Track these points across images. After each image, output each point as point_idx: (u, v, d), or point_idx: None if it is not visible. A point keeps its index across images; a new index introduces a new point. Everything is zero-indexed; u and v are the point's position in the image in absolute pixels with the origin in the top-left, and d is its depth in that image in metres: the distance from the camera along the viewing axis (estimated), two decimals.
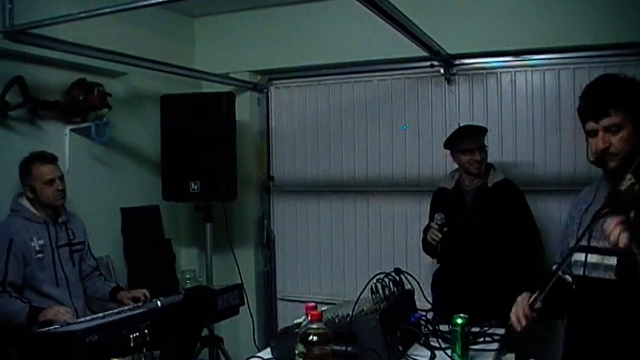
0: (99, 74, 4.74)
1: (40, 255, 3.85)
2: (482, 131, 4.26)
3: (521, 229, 4.14)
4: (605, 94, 2.40)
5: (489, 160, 4.33)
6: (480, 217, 4.12)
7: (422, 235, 4.40)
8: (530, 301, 2.54)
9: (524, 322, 2.52)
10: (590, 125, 2.41)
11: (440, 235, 3.98)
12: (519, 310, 2.54)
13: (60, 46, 3.98)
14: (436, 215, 4.02)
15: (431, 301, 4.18)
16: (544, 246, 4.25)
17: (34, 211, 3.92)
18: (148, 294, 4.01)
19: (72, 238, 4.09)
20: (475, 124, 4.43)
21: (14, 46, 3.82)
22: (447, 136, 4.34)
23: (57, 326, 3.31)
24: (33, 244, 3.83)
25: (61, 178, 3.97)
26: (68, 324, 3.36)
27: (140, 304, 3.79)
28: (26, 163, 3.92)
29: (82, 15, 3.62)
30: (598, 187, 2.59)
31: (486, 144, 4.29)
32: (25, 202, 3.92)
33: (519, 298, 2.60)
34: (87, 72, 4.61)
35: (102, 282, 4.26)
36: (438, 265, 4.48)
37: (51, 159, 3.97)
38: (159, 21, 5.25)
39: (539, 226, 4.34)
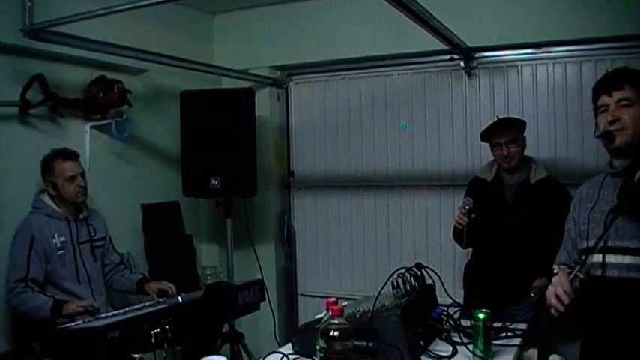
0: (119, 71, 4.76)
1: (61, 251, 3.87)
2: (513, 123, 4.15)
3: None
4: (623, 71, 2.46)
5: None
6: (522, 215, 4.03)
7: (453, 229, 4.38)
8: (571, 277, 2.40)
9: (566, 300, 2.36)
10: (603, 99, 2.41)
11: (466, 220, 3.93)
12: (559, 289, 2.39)
13: (80, 44, 4.00)
14: (464, 200, 3.98)
15: (463, 295, 4.19)
16: None
17: (56, 207, 3.94)
18: (174, 288, 4.02)
19: (93, 234, 4.11)
20: (513, 116, 4.34)
21: (35, 44, 3.84)
22: (468, 130, 4.31)
23: (79, 322, 3.33)
24: (54, 240, 3.85)
25: (83, 175, 3.99)
26: (92, 315, 3.39)
27: (165, 298, 3.80)
28: (48, 160, 3.95)
29: (101, 12, 3.63)
30: (602, 184, 2.56)
31: (524, 136, 4.19)
32: (47, 199, 3.95)
33: (555, 279, 2.46)
34: (107, 69, 4.63)
35: (128, 274, 4.29)
36: (471, 258, 4.44)
37: (73, 156, 4.00)
38: (178, 18, 5.26)
39: None
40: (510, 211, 4.09)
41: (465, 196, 4.35)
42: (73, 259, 3.94)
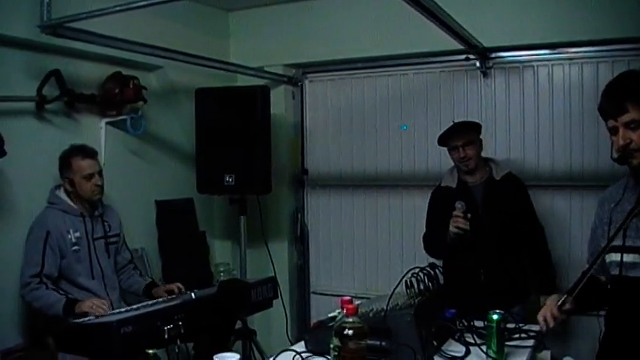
0: (134, 68, 4.77)
1: (76, 247, 3.88)
2: (469, 126, 4.20)
3: (527, 223, 4.16)
4: (623, 91, 2.37)
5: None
6: (493, 212, 4.07)
7: (423, 242, 4.43)
8: (559, 302, 2.54)
9: (551, 324, 2.53)
10: (611, 123, 2.38)
11: (467, 223, 3.90)
12: (547, 313, 2.55)
13: (97, 40, 4.01)
14: (457, 204, 3.92)
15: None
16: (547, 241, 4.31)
17: (71, 203, 3.95)
18: (182, 287, 4.02)
19: (108, 230, 4.11)
20: (469, 119, 4.39)
21: (51, 40, 3.86)
22: (483, 130, 4.30)
23: (92, 317, 3.35)
24: (69, 236, 3.86)
25: (100, 173, 3.99)
26: (103, 316, 3.39)
27: (168, 297, 3.82)
28: (66, 156, 3.95)
29: (118, 9, 3.64)
30: (626, 184, 2.55)
31: (480, 138, 4.21)
32: (63, 195, 3.96)
33: (548, 301, 2.61)
34: (122, 65, 4.64)
35: (137, 277, 4.29)
36: (443, 264, 4.34)
37: (91, 153, 4.00)
38: (194, 15, 5.27)
39: (576, 223, 4.29)
40: (481, 210, 4.09)
41: (429, 207, 4.42)
42: (87, 254, 3.95)
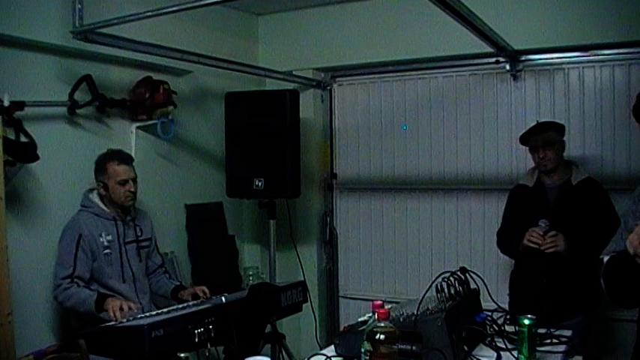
0: (164, 72, 4.80)
1: (107, 250, 3.90)
2: (550, 127, 4.14)
3: (602, 223, 4.00)
4: None
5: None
6: (564, 216, 3.99)
7: (496, 238, 4.40)
8: None
9: None
10: None
11: (542, 242, 3.87)
12: (635, 241, 2.20)
13: (127, 45, 4.04)
14: (540, 222, 3.90)
15: (508, 302, 4.15)
16: None
17: (104, 207, 3.98)
18: (207, 291, 4.03)
19: (139, 234, 4.13)
20: (553, 120, 4.32)
21: (83, 46, 3.89)
22: (513, 133, 4.29)
23: (124, 320, 3.37)
24: (101, 239, 3.89)
25: (134, 180, 4.01)
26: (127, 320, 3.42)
27: (199, 301, 3.82)
28: (102, 160, 3.99)
29: (149, 14, 3.67)
30: None
31: (561, 140, 4.15)
32: (96, 198, 3.99)
33: (638, 228, 2.24)
34: (153, 70, 4.68)
35: (165, 280, 4.30)
36: (515, 267, 4.38)
37: (127, 160, 4.03)
38: (223, 19, 5.29)
39: None
40: (553, 213, 4.03)
41: (507, 204, 4.41)
42: (119, 258, 3.97)
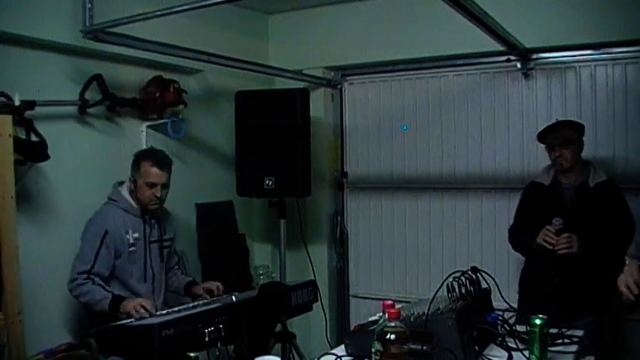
0: (175, 71, 4.81)
1: (133, 248, 3.87)
2: (568, 125, 4.09)
3: (618, 226, 3.93)
4: None
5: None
6: (579, 217, 3.94)
7: (508, 234, 4.37)
8: None
9: (635, 290, 2.45)
10: None
11: (556, 239, 3.84)
12: (630, 279, 2.47)
13: (138, 44, 4.04)
14: (554, 220, 3.88)
15: (517, 300, 4.13)
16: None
17: (133, 203, 3.94)
18: (221, 287, 4.02)
19: (163, 234, 4.10)
20: (573, 119, 4.26)
21: (93, 45, 3.90)
22: (524, 132, 4.26)
23: (133, 319, 3.38)
24: (128, 236, 3.85)
25: (165, 186, 3.94)
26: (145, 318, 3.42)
27: (214, 297, 3.82)
28: (139, 157, 3.96)
29: (159, 13, 3.67)
30: None
31: (580, 139, 4.10)
32: (125, 193, 3.94)
33: (626, 268, 2.52)
34: (163, 69, 4.69)
35: (178, 276, 4.29)
36: (526, 264, 4.36)
37: (162, 163, 3.95)
38: (233, 18, 5.29)
39: None
40: (568, 213, 3.99)
41: (521, 201, 4.36)
42: (142, 256, 3.94)
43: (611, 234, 3.85)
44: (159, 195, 3.90)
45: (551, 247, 3.85)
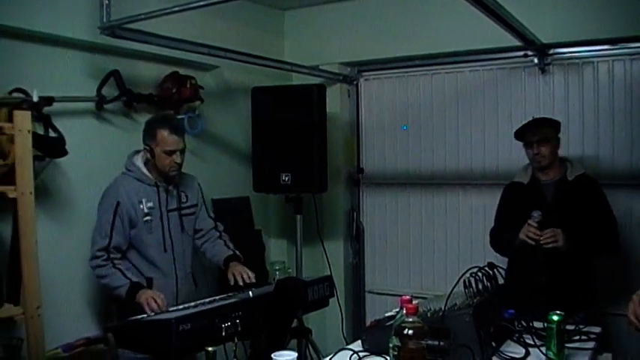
0: (191, 67, 4.83)
1: (148, 217, 3.82)
2: (546, 123, 4.09)
3: (598, 219, 3.99)
4: None
5: (570, 154, 4.28)
6: (561, 212, 3.97)
7: (489, 236, 4.39)
8: None
9: None
10: None
11: (539, 233, 3.84)
12: (637, 309, 2.45)
13: (155, 40, 4.06)
14: (533, 213, 3.87)
15: None
16: (620, 236, 4.11)
17: (147, 172, 3.88)
18: (253, 278, 3.94)
19: (184, 201, 4.03)
20: (548, 117, 4.23)
21: (111, 41, 3.91)
22: None
23: (151, 314, 3.39)
24: (141, 206, 3.81)
25: (182, 151, 3.88)
26: (157, 313, 3.43)
27: (225, 295, 3.78)
28: (154, 125, 3.90)
29: (176, 9, 3.67)
30: None
31: (557, 136, 4.11)
32: (139, 162, 3.89)
33: (635, 297, 2.50)
34: (179, 65, 4.70)
35: (221, 246, 4.21)
36: (509, 261, 4.31)
37: (178, 130, 3.92)
38: (249, 14, 5.30)
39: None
40: (549, 210, 4.00)
41: (500, 201, 4.38)
42: (160, 226, 3.88)
43: (594, 226, 3.92)
44: (179, 161, 3.85)
45: (534, 243, 3.84)
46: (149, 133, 3.86)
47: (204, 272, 4.50)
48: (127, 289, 3.61)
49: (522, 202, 4.11)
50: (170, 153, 3.80)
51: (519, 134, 4.15)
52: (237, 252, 4.22)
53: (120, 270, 3.67)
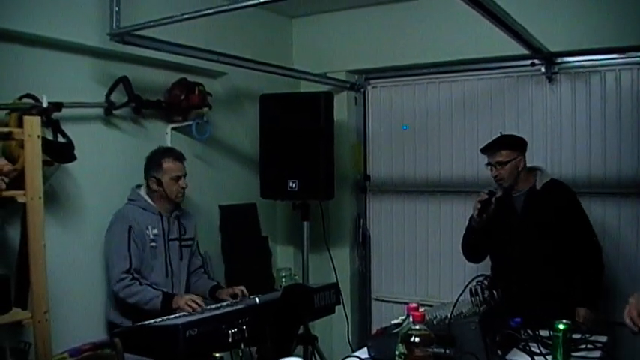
0: (199, 74, 4.83)
1: (153, 244, 3.98)
2: (505, 145, 4.07)
3: (577, 233, 3.99)
4: None
5: (537, 164, 4.30)
6: (530, 221, 4.00)
7: (462, 249, 4.46)
8: None
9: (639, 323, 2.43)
10: None
11: (486, 197, 3.99)
12: (633, 312, 2.46)
13: (163, 47, 4.08)
14: (482, 191, 4.03)
15: None
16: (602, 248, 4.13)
17: (150, 201, 4.06)
18: (245, 291, 4.05)
19: (183, 233, 4.20)
20: (514, 134, 4.26)
21: (120, 48, 3.94)
22: (548, 136, 4.24)
23: (158, 319, 3.41)
24: (148, 232, 3.97)
25: (185, 176, 4.12)
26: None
27: (233, 301, 3.85)
28: (157, 156, 4.09)
29: (186, 17, 3.69)
30: None
31: (518, 156, 4.08)
32: (143, 193, 4.08)
33: (631, 299, 2.51)
34: (188, 72, 4.71)
35: (204, 279, 4.34)
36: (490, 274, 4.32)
37: (181, 157, 4.15)
38: (257, 22, 5.31)
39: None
40: (520, 219, 4.04)
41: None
42: (163, 252, 4.04)
43: (566, 232, 3.94)
44: (184, 186, 4.09)
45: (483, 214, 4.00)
46: (154, 164, 4.07)
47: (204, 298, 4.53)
48: (162, 299, 3.72)
49: (494, 214, 4.10)
50: (177, 179, 4.07)
51: (483, 152, 4.17)
52: (220, 282, 4.46)
53: (148, 285, 3.81)
